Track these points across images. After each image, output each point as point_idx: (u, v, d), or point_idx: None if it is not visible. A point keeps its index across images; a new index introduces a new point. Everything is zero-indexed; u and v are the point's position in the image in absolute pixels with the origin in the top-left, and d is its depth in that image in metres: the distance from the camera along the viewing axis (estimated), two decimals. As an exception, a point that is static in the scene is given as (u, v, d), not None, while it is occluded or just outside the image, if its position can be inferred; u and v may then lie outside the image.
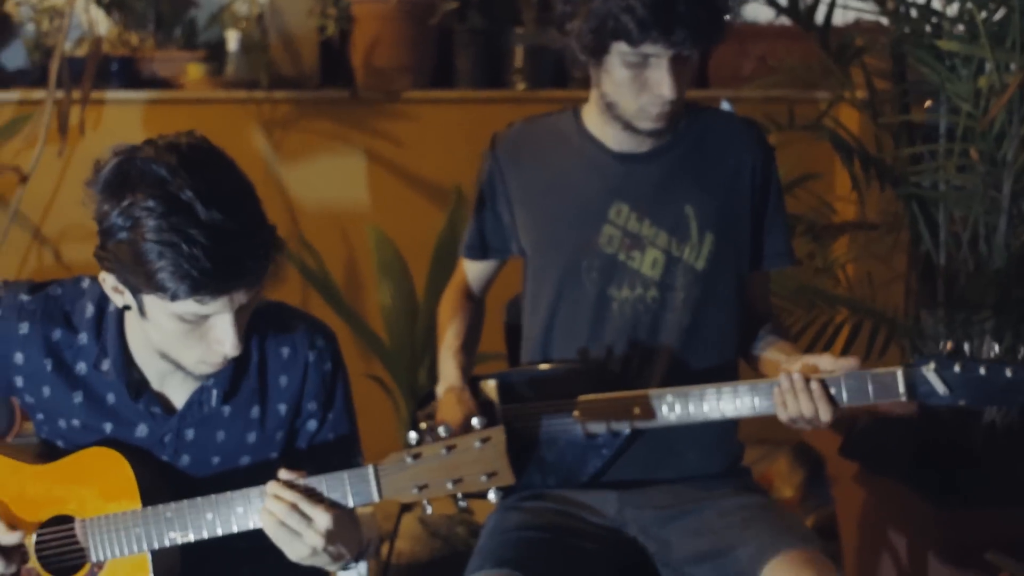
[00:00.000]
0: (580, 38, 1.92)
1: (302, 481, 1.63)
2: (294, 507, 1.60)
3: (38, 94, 3.65)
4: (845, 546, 2.83)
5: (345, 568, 1.78)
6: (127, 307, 1.64)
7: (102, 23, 3.92)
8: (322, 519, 1.60)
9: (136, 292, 1.58)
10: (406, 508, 3.07)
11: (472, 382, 2.08)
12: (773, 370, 1.97)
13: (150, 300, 1.57)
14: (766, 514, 1.97)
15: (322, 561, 1.66)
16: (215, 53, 3.93)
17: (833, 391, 1.83)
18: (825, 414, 1.82)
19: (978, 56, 2.45)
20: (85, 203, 1.60)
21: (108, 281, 1.62)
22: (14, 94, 3.71)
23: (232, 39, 3.88)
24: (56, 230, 3.75)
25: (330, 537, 1.61)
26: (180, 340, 1.61)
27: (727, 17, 1.95)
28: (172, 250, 1.49)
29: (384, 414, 3.01)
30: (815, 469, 3.53)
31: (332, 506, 1.62)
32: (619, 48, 1.90)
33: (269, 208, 1.61)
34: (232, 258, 1.51)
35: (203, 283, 1.51)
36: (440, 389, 2.05)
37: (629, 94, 1.94)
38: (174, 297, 1.52)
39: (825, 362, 1.86)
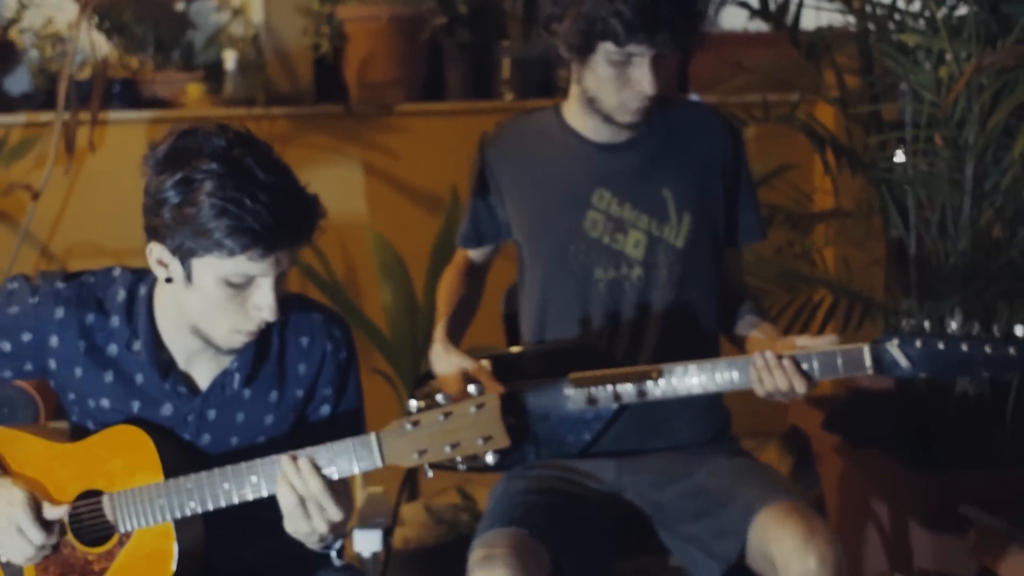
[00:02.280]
0: (568, 38, 2.06)
1: (309, 451, 1.73)
2: (315, 498, 1.71)
3: (44, 116, 3.78)
4: (831, 516, 2.95)
5: (321, 550, 1.87)
6: (169, 279, 1.75)
7: (103, 47, 4.04)
8: (335, 514, 1.72)
9: (187, 257, 1.70)
10: (409, 497, 3.19)
11: None
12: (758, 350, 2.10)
13: (200, 264, 1.69)
14: (753, 473, 2.09)
15: (310, 539, 1.78)
16: (213, 73, 4.03)
17: (805, 366, 1.96)
18: (800, 387, 1.95)
19: (938, 48, 2.60)
20: (143, 172, 1.72)
21: (155, 252, 1.74)
22: (21, 117, 3.83)
23: (229, 59, 3.99)
24: (63, 247, 3.84)
25: (332, 527, 1.74)
26: (220, 307, 1.72)
27: (705, 21, 2.09)
28: (235, 206, 1.63)
29: (388, 405, 3.13)
30: (803, 455, 3.65)
31: (344, 504, 1.73)
32: (605, 47, 2.03)
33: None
34: (289, 215, 1.66)
35: (262, 237, 1.64)
36: (432, 355, 2.16)
37: (612, 90, 2.08)
38: (231, 253, 1.65)
39: (803, 340, 1.99)
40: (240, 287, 1.71)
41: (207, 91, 3.98)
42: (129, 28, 4.01)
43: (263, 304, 1.72)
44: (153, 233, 1.72)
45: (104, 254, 3.74)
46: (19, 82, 4.05)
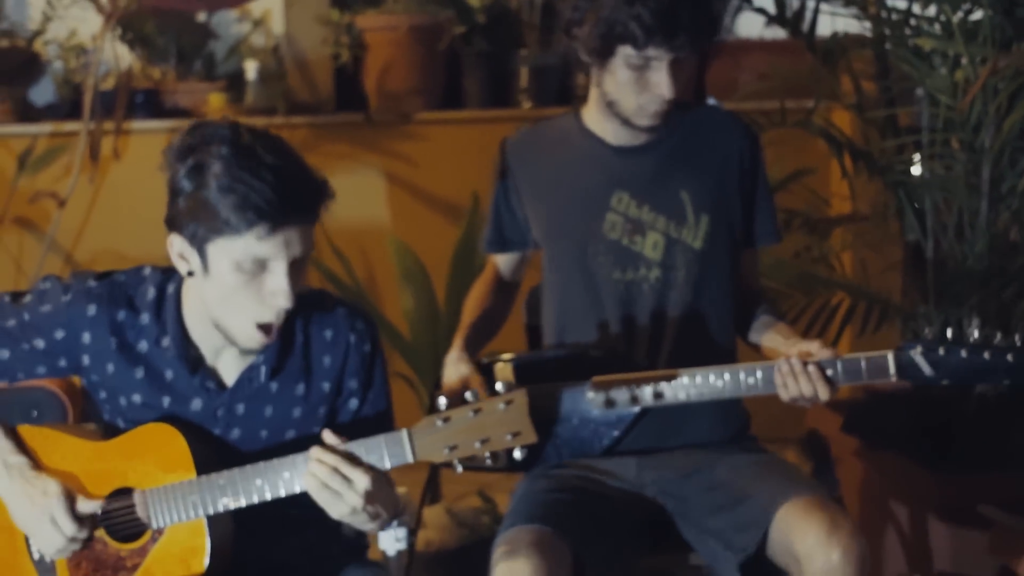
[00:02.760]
0: (587, 42, 2.10)
1: (342, 446, 1.76)
2: (335, 470, 1.73)
3: (69, 126, 3.84)
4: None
5: (383, 529, 1.91)
6: (191, 273, 1.79)
7: (126, 58, 4.10)
8: (361, 480, 1.73)
9: (202, 245, 1.74)
10: (431, 501, 3.21)
11: (488, 365, 2.21)
12: (774, 354, 2.12)
13: (214, 251, 1.73)
14: (774, 468, 2.12)
15: (361, 519, 1.79)
16: (234, 83, 4.10)
17: (830, 372, 1.99)
18: (824, 393, 1.98)
19: (953, 52, 2.63)
20: (162, 166, 1.77)
21: (175, 245, 1.78)
22: (46, 127, 3.89)
23: (250, 69, 4.05)
24: (87, 255, 3.90)
25: (368, 497, 1.75)
26: (237, 296, 1.75)
27: (722, 25, 2.13)
28: (240, 183, 1.68)
29: (410, 408, 3.16)
30: (822, 460, 3.66)
31: (370, 469, 1.75)
32: (624, 51, 2.07)
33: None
34: (294, 191, 1.70)
35: (267, 213, 1.68)
36: (446, 360, 2.20)
37: (630, 93, 2.12)
38: (238, 230, 1.69)
39: (815, 347, 2.02)
40: (253, 273, 1.74)
41: (228, 101, 4.03)
42: (152, 39, 4.07)
43: (277, 289, 1.74)
44: (172, 225, 1.78)
45: (127, 261, 3.76)
46: (44, 93, 4.11)
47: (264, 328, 1.79)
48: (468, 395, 1.74)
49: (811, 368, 1.97)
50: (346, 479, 1.74)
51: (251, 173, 1.68)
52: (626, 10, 2.02)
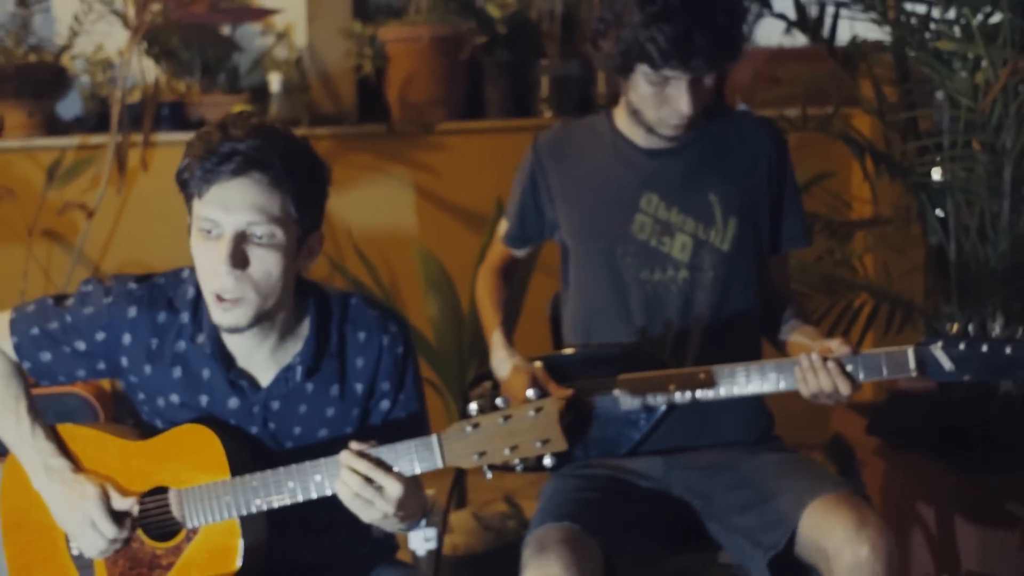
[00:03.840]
0: (609, 57, 2.13)
1: (373, 451, 1.77)
2: (367, 479, 1.75)
3: (96, 139, 3.89)
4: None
5: (412, 530, 1.94)
6: None
7: (151, 71, 4.15)
8: (393, 488, 1.75)
9: (191, 214, 1.83)
10: (457, 505, 3.23)
11: None
12: (798, 352, 2.12)
13: (192, 218, 1.82)
14: (800, 466, 2.13)
15: (392, 523, 1.82)
16: (258, 95, 4.13)
17: (850, 368, 2.00)
18: (845, 388, 1.99)
19: (974, 54, 2.64)
20: None
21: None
22: (73, 140, 3.94)
23: (274, 81, 4.08)
24: (115, 266, 3.93)
25: (399, 504, 1.77)
26: (200, 265, 1.82)
27: (742, 44, 2.14)
28: (198, 142, 1.78)
29: (435, 413, 3.16)
30: (847, 464, 3.67)
31: (401, 476, 1.76)
32: (643, 69, 2.10)
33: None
34: (228, 150, 1.75)
35: (204, 167, 1.76)
36: (494, 363, 2.23)
37: (651, 107, 2.15)
38: (186, 186, 1.79)
39: (834, 345, 2.04)
40: (209, 240, 1.80)
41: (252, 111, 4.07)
42: (177, 53, 4.12)
43: (217, 256, 1.78)
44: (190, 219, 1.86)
45: (154, 271, 3.84)
46: (71, 107, 4.16)
47: (215, 297, 1.81)
48: (499, 401, 1.75)
49: (831, 364, 1.98)
50: (378, 488, 1.75)
51: (207, 135, 1.78)
52: (643, 32, 2.04)
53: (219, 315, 1.82)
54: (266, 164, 1.76)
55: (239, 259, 1.77)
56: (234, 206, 1.76)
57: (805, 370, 2.00)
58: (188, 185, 1.80)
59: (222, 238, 1.77)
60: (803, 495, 2.00)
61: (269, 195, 1.77)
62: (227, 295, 1.79)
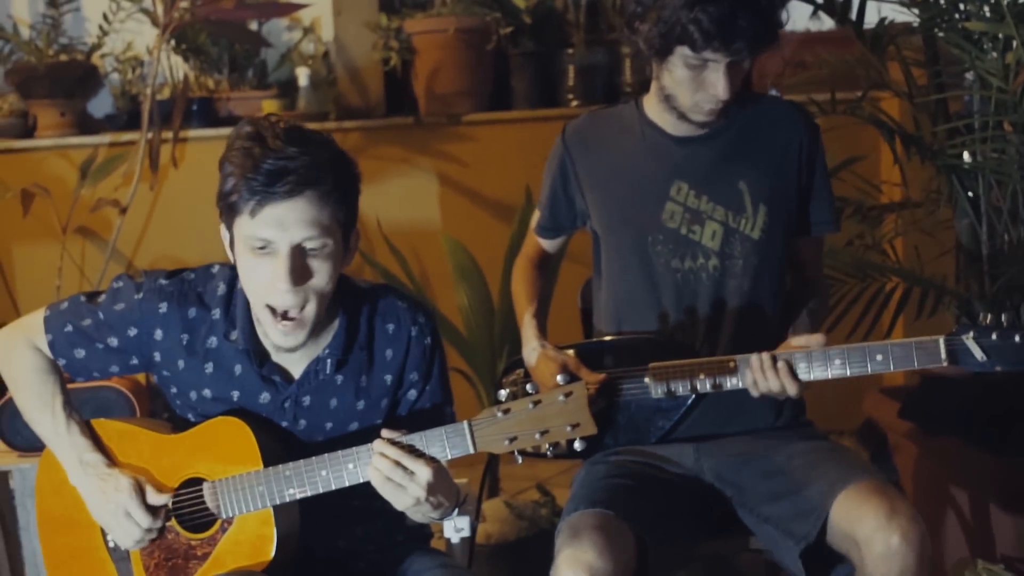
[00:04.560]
0: (647, 38, 2.12)
1: (404, 438, 1.79)
2: (398, 464, 1.77)
3: (127, 136, 3.93)
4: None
5: (445, 519, 1.95)
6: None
7: (180, 68, 4.18)
8: (423, 473, 1.77)
9: (229, 227, 1.83)
10: (490, 494, 3.24)
11: None
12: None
13: (236, 233, 1.82)
14: (832, 454, 2.12)
15: (424, 510, 1.83)
16: (286, 90, 4.17)
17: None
18: (791, 388, 2.01)
19: (1004, 34, 2.61)
20: None
21: (225, 237, 1.86)
22: (105, 138, 3.99)
23: (302, 76, 4.11)
24: (148, 261, 3.99)
25: (431, 488, 1.78)
26: (250, 281, 1.82)
27: (781, 28, 2.13)
28: (241, 160, 1.76)
29: (467, 402, 3.20)
30: (879, 448, 3.65)
31: (432, 461, 1.78)
32: (682, 51, 2.09)
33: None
34: (278, 169, 1.75)
35: (254, 188, 1.75)
36: (526, 352, 2.23)
37: (687, 91, 2.14)
38: (239, 208, 1.77)
39: (798, 341, 2.04)
40: (262, 255, 1.79)
41: (281, 108, 4.10)
42: (205, 49, 4.15)
43: (276, 272, 1.78)
44: (220, 215, 1.86)
45: (187, 266, 3.87)
46: (102, 105, 4.21)
47: (273, 311, 1.82)
48: (528, 387, 1.76)
49: (780, 364, 2.00)
50: (408, 472, 1.77)
51: (248, 152, 1.75)
52: (686, 13, 2.03)
53: (280, 337, 1.84)
54: (320, 181, 1.78)
55: (299, 275, 1.79)
56: (289, 223, 1.77)
57: (755, 371, 2.02)
58: (236, 206, 1.78)
59: (277, 255, 1.78)
60: (834, 484, 2.00)
61: (320, 209, 1.79)
62: (292, 312, 1.81)
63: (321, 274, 1.81)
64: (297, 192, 1.76)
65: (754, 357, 2.01)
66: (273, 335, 1.85)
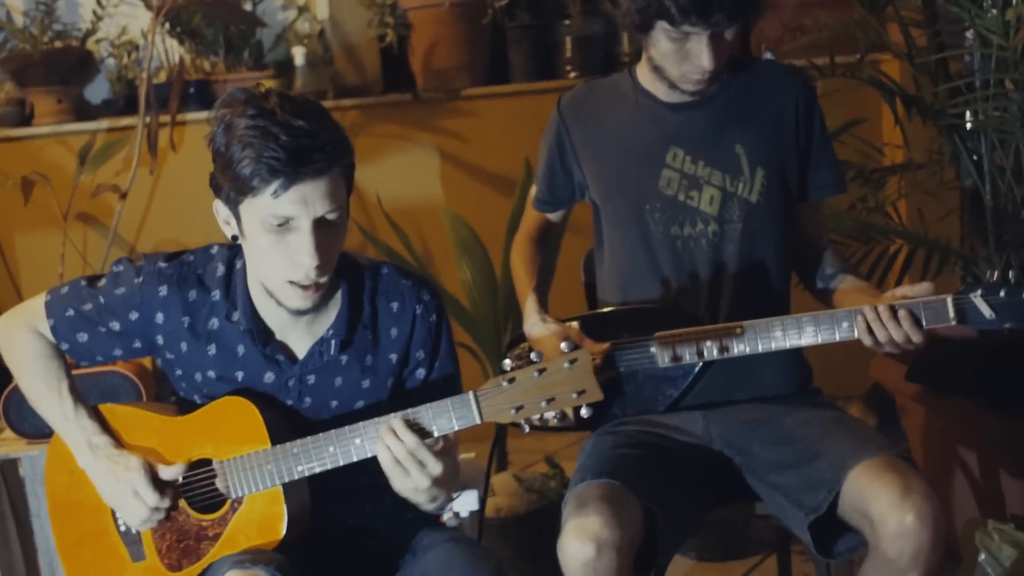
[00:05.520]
0: (629, 15, 2.11)
1: (411, 412, 1.78)
2: (412, 453, 1.76)
3: (125, 121, 3.92)
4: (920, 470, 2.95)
5: (438, 512, 1.93)
6: (235, 237, 1.84)
7: (176, 51, 4.17)
8: (435, 467, 1.77)
9: (235, 206, 1.79)
10: (499, 468, 3.25)
11: None
12: (851, 303, 2.09)
13: (245, 212, 1.78)
14: (843, 425, 2.10)
15: (420, 498, 1.83)
16: (283, 70, 4.14)
17: (887, 316, 1.95)
18: (916, 336, 1.96)
19: (1004, -9, 2.60)
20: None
21: (220, 212, 1.84)
22: (103, 123, 3.97)
23: (298, 55, 4.09)
24: (150, 245, 3.99)
25: (436, 482, 1.78)
26: (270, 256, 1.78)
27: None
28: (255, 142, 1.71)
29: (472, 376, 3.18)
30: (886, 413, 3.65)
31: (444, 455, 1.78)
32: (662, 26, 2.08)
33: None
34: (303, 147, 1.71)
35: (277, 169, 1.70)
36: (527, 326, 2.23)
37: (673, 63, 2.13)
38: (254, 190, 1.72)
39: (902, 290, 2.00)
40: (280, 233, 1.76)
41: (278, 88, 4.06)
42: (200, 32, 4.13)
43: (300, 247, 1.76)
44: (214, 189, 1.82)
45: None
46: (99, 90, 4.19)
47: (297, 285, 1.81)
48: (533, 355, 1.75)
49: (902, 313, 1.96)
50: (421, 463, 1.77)
51: (263, 132, 1.71)
52: None
53: (299, 301, 1.83)
54: (344, 157, 1.77)
55: (323, 248, 1.78)
56: (312, 199, 1.75)
57: (872, 321, 1.97)
58: (252, 187, 1.73)
59: (299, 230, 1.76)
60: (847, 458, 1.97)
61: (337, 184, 1.78)
62: (321, 281, 1.80)
63: (336, 244, 1.82)
64: (326, 171, 1.74)
65: (867, 308, 1.97)
66: (290, 300, 1.83)
